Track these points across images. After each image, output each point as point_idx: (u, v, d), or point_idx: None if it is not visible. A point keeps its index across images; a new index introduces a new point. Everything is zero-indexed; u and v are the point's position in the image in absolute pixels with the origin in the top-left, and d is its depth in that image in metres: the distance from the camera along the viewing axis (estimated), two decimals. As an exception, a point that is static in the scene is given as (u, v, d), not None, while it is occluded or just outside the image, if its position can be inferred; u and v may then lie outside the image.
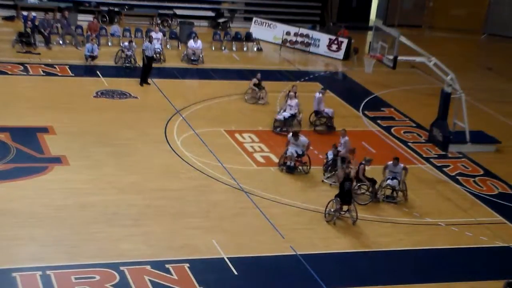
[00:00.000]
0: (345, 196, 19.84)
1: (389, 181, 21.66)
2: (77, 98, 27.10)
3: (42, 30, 32.45)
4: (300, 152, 22.70)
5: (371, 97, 30.83)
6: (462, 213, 21.57)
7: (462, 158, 25.41)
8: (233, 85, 30.16)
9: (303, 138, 22.90)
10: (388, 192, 21.75)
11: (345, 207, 19.99)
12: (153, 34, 32.26)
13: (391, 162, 21.84)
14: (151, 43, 29.77)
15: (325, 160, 22.85)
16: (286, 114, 25.78)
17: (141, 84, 28.89)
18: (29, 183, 20.42)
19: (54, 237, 17.77)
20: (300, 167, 22.81)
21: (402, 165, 21.93)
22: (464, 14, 44.55)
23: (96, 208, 19.38)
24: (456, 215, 21.40)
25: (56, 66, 30.19)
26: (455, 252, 19.36)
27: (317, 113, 26.54)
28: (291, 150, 22.62)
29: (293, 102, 25.91)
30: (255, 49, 36.26)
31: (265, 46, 36.72)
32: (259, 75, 28.58)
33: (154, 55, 30.24)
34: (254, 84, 28.39)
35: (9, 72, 28.84)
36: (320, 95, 26.55)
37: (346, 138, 22.98)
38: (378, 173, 21.94)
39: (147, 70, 29.17)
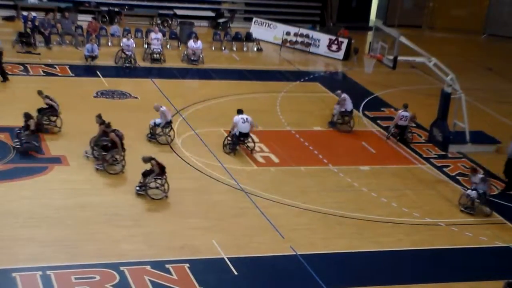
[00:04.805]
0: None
1: (468, 191, 21.47)
2: (77, 98, 27.09)
3: (42, 30, 32.45)
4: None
5: (371, 97, 30.82)
6: (462, 213, 21.56)
7: (462, 158, 25.40)
8: (233, 85, 30.17)
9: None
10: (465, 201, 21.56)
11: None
12: (153, 35, 32.28)
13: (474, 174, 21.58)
14: None
15: None
16: (158, 120, 23.85)
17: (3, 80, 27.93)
18: (29, 183, 20.42)
19: (54, 237, 17.77)
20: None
21: (480, 175, 21.58)
22: (464, 14, 44.57)
23: (96, 208, 19.38)
24: (456, 215, 21.39)
25: (56, 66, 30.19)
26: (455, 252, 19.35)
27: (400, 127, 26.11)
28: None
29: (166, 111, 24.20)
30: (255, 49, 36.25)
31: (265, 46, 36.72)
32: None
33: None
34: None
35: (9, 72, 28.76)
36: (408, 113, 25.99)
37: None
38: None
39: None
